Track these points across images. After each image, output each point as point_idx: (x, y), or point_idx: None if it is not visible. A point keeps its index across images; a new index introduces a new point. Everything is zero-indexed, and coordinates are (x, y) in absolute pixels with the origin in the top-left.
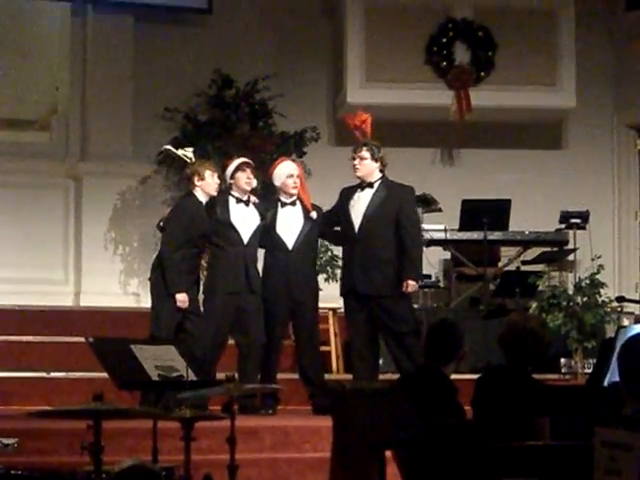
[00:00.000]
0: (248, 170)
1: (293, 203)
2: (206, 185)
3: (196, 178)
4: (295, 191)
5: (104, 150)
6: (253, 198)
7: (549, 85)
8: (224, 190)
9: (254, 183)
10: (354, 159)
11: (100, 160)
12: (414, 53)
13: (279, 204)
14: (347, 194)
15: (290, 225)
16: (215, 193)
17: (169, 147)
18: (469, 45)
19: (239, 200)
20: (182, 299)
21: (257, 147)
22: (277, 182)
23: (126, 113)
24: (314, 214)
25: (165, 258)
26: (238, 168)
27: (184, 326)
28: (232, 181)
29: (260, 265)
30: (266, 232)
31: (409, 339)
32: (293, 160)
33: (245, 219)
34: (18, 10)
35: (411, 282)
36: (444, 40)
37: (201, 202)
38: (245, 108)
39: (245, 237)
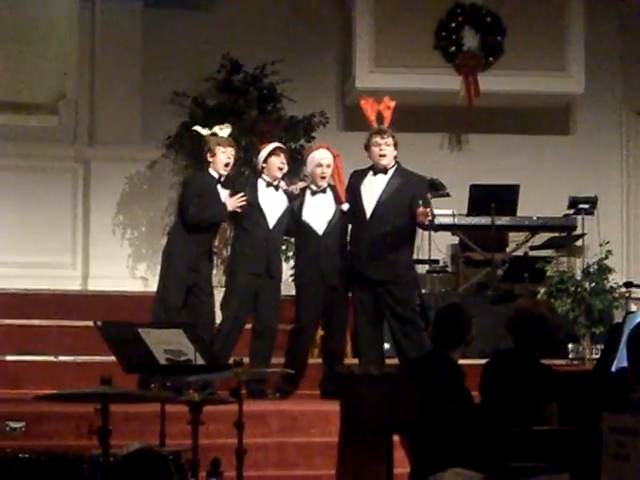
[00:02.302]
0: (282, 155)
1: (324, 190)
2: (217, 161)
3: (209, 155)
4: (323, 182)
5: (112, 134)
6: (282, 183)
7: (558, 70)
8: (254, 173)
9: (286, 168)
10: (378, 145)
11: (108, 144)
12: (423, 38)
13: (308, 192)
14: (358, 177)
15: (320, 212)
16: (223, 169)
17: (197, 127)
18: (478, 30)
19: (269, 184)
20: (231, 201)
21: (265, 132)
22: (308, 169)
23: (134, 97)
24: (345, 206)
25: (192, 217)
26: (272, 152)
27: (187, 300)
28: (264, 165)
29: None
30: (293, 219)
31: (414, 326)
32: (330, 150)
33: (273, 203)
34: None
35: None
36: (453, 25)
37: (213, 177)
38: (253, 93)
39: (271, 221)
